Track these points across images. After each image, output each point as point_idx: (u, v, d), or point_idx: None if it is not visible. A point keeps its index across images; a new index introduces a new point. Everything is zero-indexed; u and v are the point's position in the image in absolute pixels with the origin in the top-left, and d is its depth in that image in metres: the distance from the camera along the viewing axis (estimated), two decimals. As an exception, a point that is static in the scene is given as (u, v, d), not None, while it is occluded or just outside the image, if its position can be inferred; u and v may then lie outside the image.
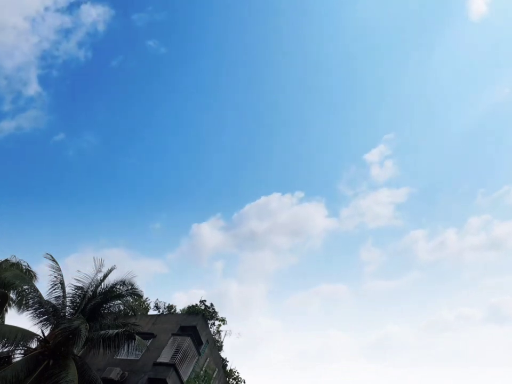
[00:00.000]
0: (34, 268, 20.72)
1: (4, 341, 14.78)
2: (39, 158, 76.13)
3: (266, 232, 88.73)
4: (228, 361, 25.58)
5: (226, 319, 25.73)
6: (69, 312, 16.93)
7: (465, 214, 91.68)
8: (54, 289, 17.23)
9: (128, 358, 19.90)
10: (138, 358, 19.91)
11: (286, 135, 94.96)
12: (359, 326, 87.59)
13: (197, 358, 21.63)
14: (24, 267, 20.31)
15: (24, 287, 17.55)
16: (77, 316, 15.80)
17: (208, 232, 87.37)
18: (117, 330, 15.51)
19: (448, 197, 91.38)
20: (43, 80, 76.22)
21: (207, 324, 24.21)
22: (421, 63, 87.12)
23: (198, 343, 21.76)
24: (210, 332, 24.26)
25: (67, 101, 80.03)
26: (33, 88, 72.96)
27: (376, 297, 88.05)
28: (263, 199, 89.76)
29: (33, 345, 15.78)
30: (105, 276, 18.00)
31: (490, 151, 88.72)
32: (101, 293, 17.53)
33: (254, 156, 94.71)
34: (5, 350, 15.71)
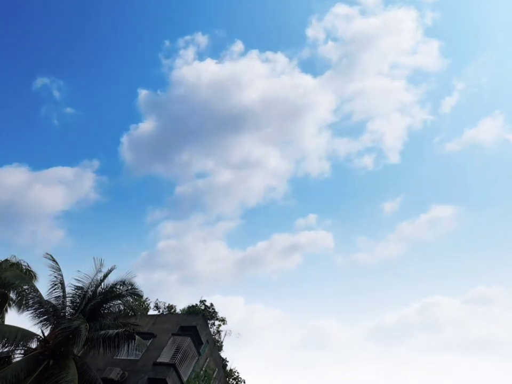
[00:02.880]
0: (34, 268, 20.74)
1: (4, 341, 14.79)
2: None
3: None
4: (228, 361, 25.62)
5: (226, 320, 25.79)
6: (69, 312, 16.92)
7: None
8: (54, 289, 17.23)
9: (128, 358, 19.87)
10: (138, 358, 19.89)
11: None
12: (358, 312, 71.52)
13: (197, 358, 21.61)
14: (24, 267, 20.31)
15: (24, 287, 17.56)
16: (77, 316, 15.79)
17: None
18: (117, 330, 15.50)
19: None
20: None
21: (207, 323, 24.23)
22: None
23: (198, 343, 21.74)
24: (210, 332, 24.27)
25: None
26: None
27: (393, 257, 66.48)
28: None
29: (33, 345, 15.79)
30: (105, 276, 18.00)
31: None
32: (101, 293, 17.54)
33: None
34: (5, 350, 15.72)
